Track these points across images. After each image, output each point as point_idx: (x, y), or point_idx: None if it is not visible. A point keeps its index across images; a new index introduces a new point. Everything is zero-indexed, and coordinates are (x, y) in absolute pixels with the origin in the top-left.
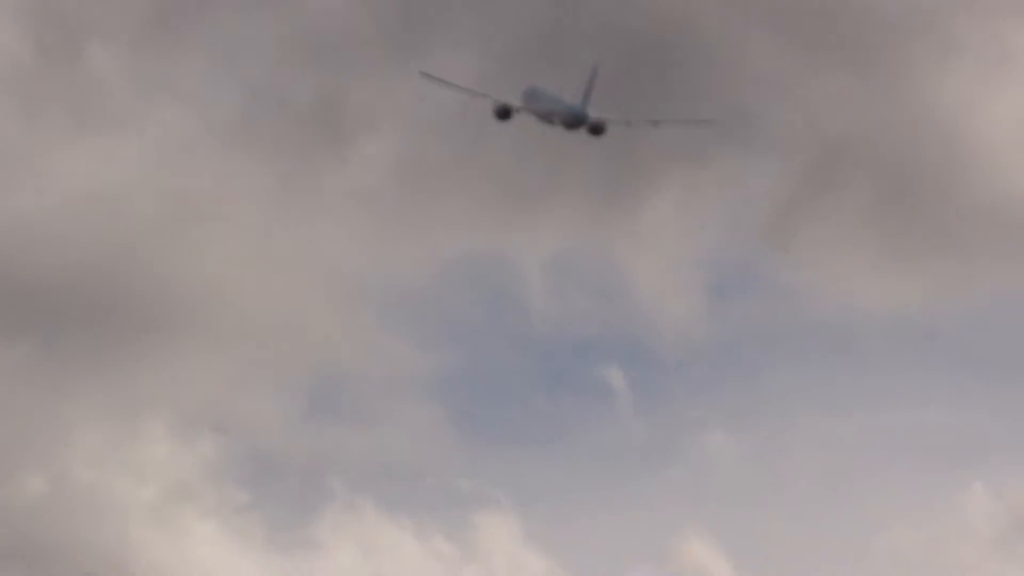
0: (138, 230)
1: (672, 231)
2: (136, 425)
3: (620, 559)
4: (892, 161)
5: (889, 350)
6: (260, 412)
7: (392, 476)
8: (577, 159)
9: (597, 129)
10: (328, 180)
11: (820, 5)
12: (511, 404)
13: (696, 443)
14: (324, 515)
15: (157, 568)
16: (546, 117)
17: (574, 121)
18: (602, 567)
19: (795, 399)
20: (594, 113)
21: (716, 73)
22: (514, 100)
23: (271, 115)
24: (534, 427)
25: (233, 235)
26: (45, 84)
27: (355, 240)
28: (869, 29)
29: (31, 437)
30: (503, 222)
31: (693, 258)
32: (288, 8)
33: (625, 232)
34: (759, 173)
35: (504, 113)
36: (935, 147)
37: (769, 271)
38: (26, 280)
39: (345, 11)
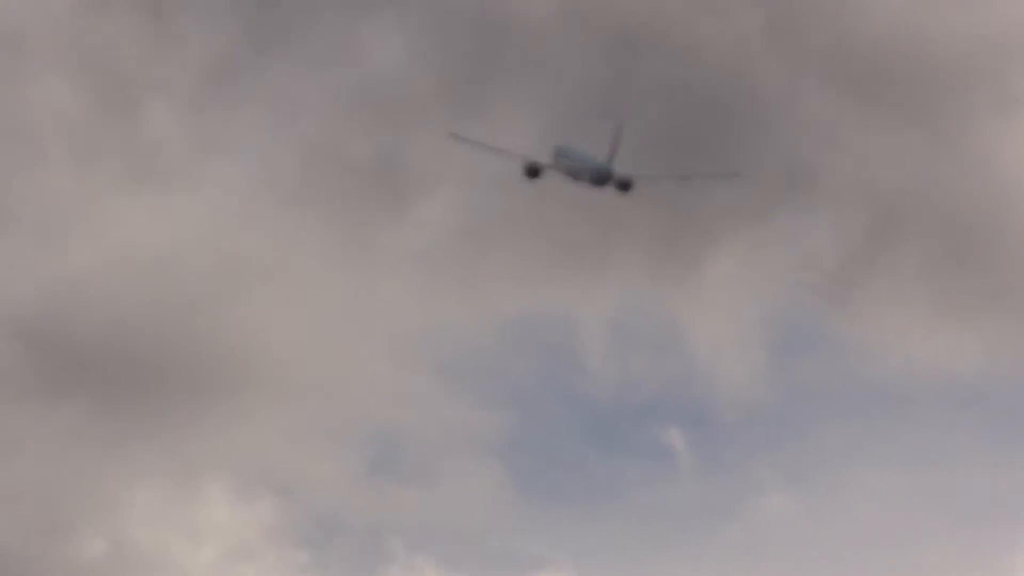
0: (195, 288)
1: (732, 288)
2: (195, 486)
3: None
4: (950, 217)
5: (948, 408)
6: (319, 472)
7: (452, 536)
8: (636, 216)
9: (624, 185)
10: (387, 238)
11: (878, 60)
12: (570, 464)
13: (755, 503)
14: None
15: None
16: (574, 175)
17: (600, 178)
18: None
19: (854, 458)
20: (620, 169)
21: (775, 129)
22: (544, 159)
23: (330, 173)
24: (593, 487)
25: (291, 294)
26: (101, 140)
27: (414, 298)
28: (927, 84)
29: (89, 498)
30: (562, 280)
31: (752, 316)
32: (347, 66)
33: (684, 290)
34: (818, 229)
35: (533, 172)
36: (993, 203)
37: (827, 328)
38: (82, 338)
39: (405, 69)
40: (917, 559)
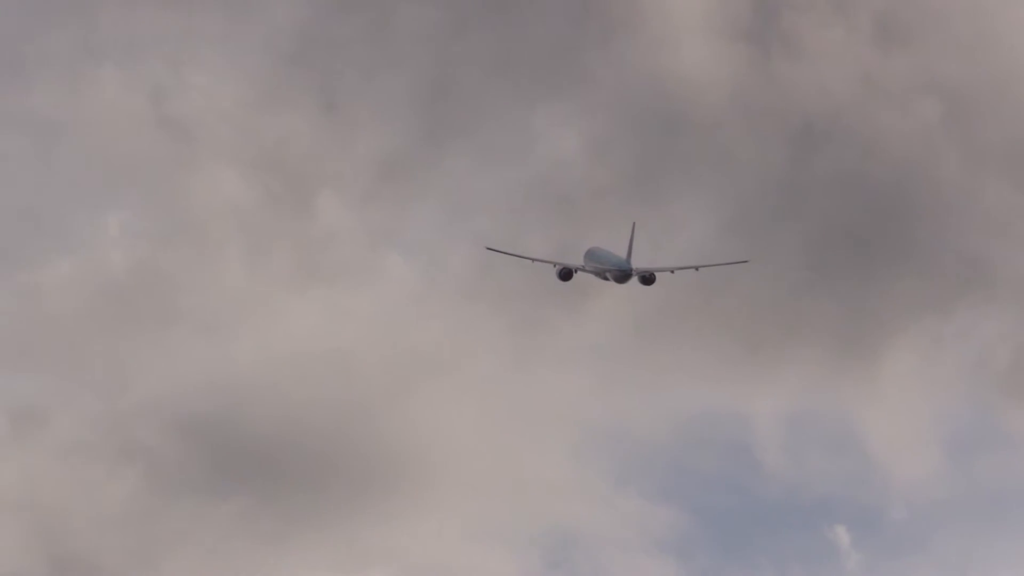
0: (367, 383)
1: (910, 384)
2: None
3: None
4: None
5: None
6: (492, 569)
7: None
8: (815, 310)
9: (646, 280)
10: (563, 333)
11: None
12: (740, 562)
13: None
14: None
15: None
16: (600, 274)
17: (622, 276)
18: None
19: None
20: (638, 266)
21: (953, 222)
22: (576, 262)
23: (504, 266)
24: None
25: (464, 388)
26: (272, 234)
27: (590, 394)
28: None
29: None
30: (739, 375)
31: (930, 412)
32: (522, 158)
33: (862, 385)
34: (997, 322)
35: (566, 275)
36: None
37: (1005, 425)
38: (250, 432)
39: (579, 161)
40: None
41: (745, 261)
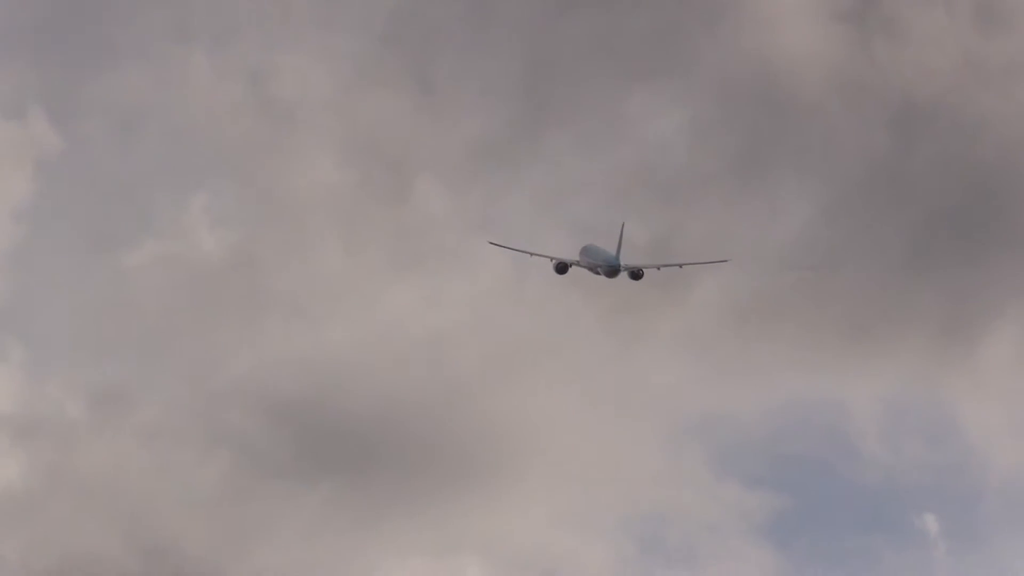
0: (461, 370)
1: (1012, 371)
2: (453, 565)
3: None
4: None
5: None
6: (585, 555)
7: None
8: (917, 296)
9: (635, 275)
10: (660, 319)
11: None
12: (831, 549)
13: None
14: None
15: None
16: (593, 269)
17: (611, 271)
18: None
19: None
20: (627, 262)
21: None
22: (572, 257)
23: None
24: (854, 571)
25: (560, 375)
26: (369, 218)
27: (688, 380)
28: None
29: (344, 574)
30: (839, 362)
31: None
32: (621, 144)
33: (963, 372)
34: None
35: (562, 269)
36: None
37: None
38: (341, 416)
39: (678, 145)
40: None
41: (725, 260)
